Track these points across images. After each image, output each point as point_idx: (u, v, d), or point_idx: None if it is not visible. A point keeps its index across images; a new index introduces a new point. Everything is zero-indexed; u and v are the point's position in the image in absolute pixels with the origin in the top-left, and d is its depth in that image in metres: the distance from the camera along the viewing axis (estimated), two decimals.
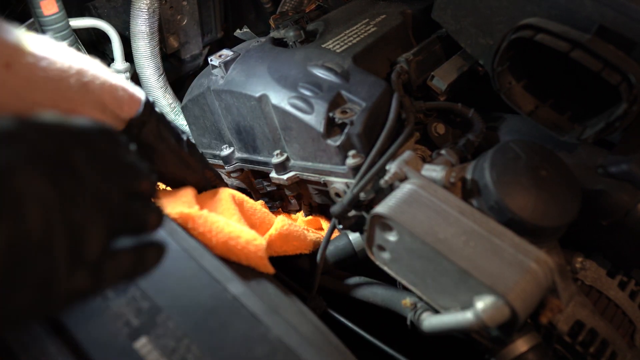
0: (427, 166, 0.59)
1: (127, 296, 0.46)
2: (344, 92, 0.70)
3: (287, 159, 0.77)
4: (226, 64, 0.81)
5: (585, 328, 0.58)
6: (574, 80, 0.67)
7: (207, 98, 0.85)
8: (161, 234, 0.52)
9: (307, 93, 0.71)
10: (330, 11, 0.96)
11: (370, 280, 0.73)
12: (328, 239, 0.70)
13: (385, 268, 0.59)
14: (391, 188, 0.59)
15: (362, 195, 0.61)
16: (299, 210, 0.90)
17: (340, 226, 0.64)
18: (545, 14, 0.64)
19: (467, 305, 0.50)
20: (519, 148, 0.58)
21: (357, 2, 0.96)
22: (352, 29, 0.84)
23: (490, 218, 0.53)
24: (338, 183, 0.70)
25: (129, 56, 1.15)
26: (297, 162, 0.76)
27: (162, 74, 1.18)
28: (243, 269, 0.58)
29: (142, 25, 1.08)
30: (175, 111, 1.22)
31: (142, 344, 0.43)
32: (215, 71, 0.83)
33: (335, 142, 0.68)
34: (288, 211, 0.93)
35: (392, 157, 0.61)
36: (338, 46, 0.79)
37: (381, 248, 0.58)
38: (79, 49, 1.05)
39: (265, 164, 0.83)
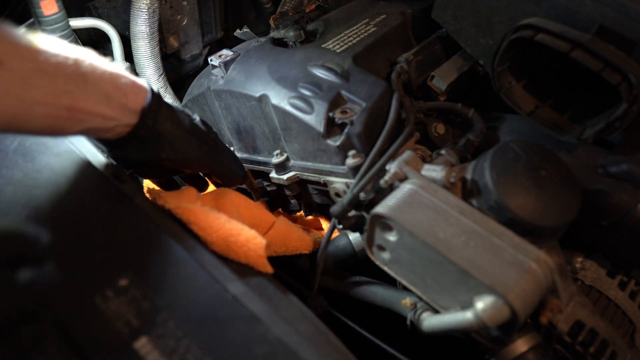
0: (427, 166, 0.59)
1: (127, 296, 0.46)
2: (344, 92, 0.70)
3: (287, 159, 0.77)
4: (226, 64, 0.81)
5: (585, 328, 0.58)
6: (574, 80, 0.67)
7: (207, 98, 0.85)
8: (161, 233, 0.52)
9: (307, 93, 0.71)
10: (330, 11, 0.96)
11: (370, 280, 0.73)
12: (328, 239, 0.70)
13: (385, 268, 0.59)
14: (391, 188, 0.59)
15: (362, 195, 0.61)
16: (299, 210, 0.90)
17: (340, 226, 0.64)
18: (545, 14, 0.64)
19: (467, 305, 0.50)
20: (519, 148, 0.58)
21: (357, 2, 0.96)
22: (352, 29, 0.84)
23: (490, 218, 0.53)
24: (338, 183, 0.70)
25: (129, 56, 1.15)
26: (297, 162, 0.76)
27: (162, 74, 1.18)
28: (243, 269, 0.58)
29: (142, 25, 1.08)
30: None
31: (142, 344, 0.43)
32: (215, 71, 0.83)
33: (335, 142, 0.68)
34: (288, 211, 0.93)
35: (392, 157, 0.61)
36: (338, 46, 0.79)
37: (381, 248, 0.58)
38: None
39: (265, 164, 0.83)
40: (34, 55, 0.48)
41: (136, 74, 1.17)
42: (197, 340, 0.44)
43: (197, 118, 0.67)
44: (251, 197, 0.78)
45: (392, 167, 0.59)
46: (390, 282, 0.67)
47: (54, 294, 0.46)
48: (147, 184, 0.84)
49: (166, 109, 0.62)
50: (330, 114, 0.68)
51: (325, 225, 0.86)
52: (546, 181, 0.55)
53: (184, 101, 0.92)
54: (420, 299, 0.59)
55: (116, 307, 0.45)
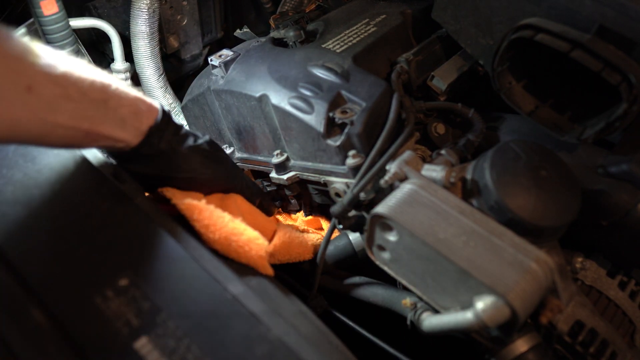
0: (427, 166, 0.59)
1: (127, 296, 0.46)
2: (344, 92, 0.70)
3: (287, 159, 0.77)
4: (226, 64, 0.81)
5: (585, 328, 0.58)
6: (574, 80, 0.67)
7: (207, 98, 0.85)
8: (161, 233, 0.52)
9: (307, 93, 0.71)
10: (330, 11, 0.96)
11: (370, 280, 0.73)
12: (328, 239, 0.70)
13: (385, 268, 0.59)
14: (391, 188, 0.59)
15: (362, 195, 0.61)
16: (299, 210, 0.90)
17: (340, 226, 0.64)
18: (545, 14, 0.64)
19: (467, 305, 0.50)
20: (519, 148, 0.58)
21: (357, 2, 0.96)
22: (352, 29, 0.84)
23: (490, 218, 0.53)
24: (338, 183, 0.70)
25: (129, 56, 1.15)
26: (297, 162, 0.76)
27: (162, 74, 1.19)
28: (243, 269, 0.58)
29: (142, 25, 1.08)
30: (175, 111, 1.22)
31: (142, 344, 0.43)
32: (215, 71, 0.83)
33: (335, 142, 0.68)
34: (288, 211, 0.93)
35: (392, 157, 0.61)
36: (338, 46, 0.79)
37: (381, 248, 0.58)
38: (79, 49, 1.05)
39: (266, 164, 0.83)
40: (62, 80, 0.50)
41: (136, 73, 1.17)
42: (197, 340, 0.44)
43: (204, 139, 0.67)
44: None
45: (392, 167, 0.59)
46: (390, 282, 0.67)
47: (54, 294, 0.46)
48: None
49: (173, 128, 0.63)
50: (330, 114, 0.68)
51: (325, 225, 0.87)
52: (546, 181, 0.55)
53: (184, 101, 0.92)
54: (420, 299, 0.59)
55: (116, 307, 0.45)
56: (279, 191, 0.88)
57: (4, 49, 0.45)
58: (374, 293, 0.70)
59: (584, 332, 0.58)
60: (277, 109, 0.72)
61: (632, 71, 0.56)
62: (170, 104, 1.22)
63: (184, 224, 0.59)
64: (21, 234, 0.51)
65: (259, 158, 0.84)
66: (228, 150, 0.87)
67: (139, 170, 0.63)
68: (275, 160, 0.77)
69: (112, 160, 0.64)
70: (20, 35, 0.47)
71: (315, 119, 0.68)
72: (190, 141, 0.65)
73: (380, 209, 0.54)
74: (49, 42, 0.96)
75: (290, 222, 0.87)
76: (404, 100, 0.70)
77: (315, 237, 0.77)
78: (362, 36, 0.82)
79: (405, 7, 0.89)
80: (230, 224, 0.59)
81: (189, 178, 0.64)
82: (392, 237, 0.55)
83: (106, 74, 0.56)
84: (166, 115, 0.63)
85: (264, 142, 0.80)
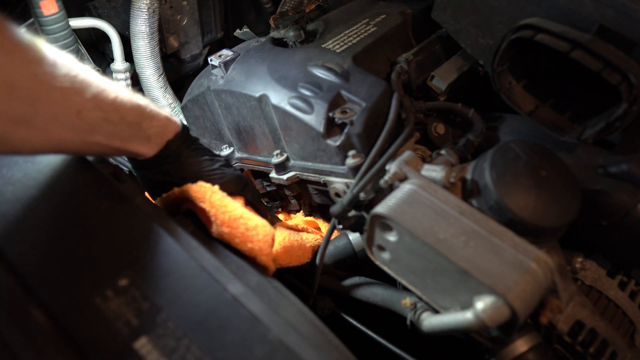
0: (427, 166, 0.59)
1: (127, 296, 0.46)
2: (344, 92, 0.70)
3: (287, 159, 0.77)
4: (226, 64, 0.81)
5: (585, 328, 0.58)
6: (574, 80, 0.67)
7: (207, 98, 0.85)
8: (161, 233, 0.52)
9: (307, 93, 0.71)
10: (330, 11, 0.96)
11: (370, 280, 0.73)
12: (328, 239, 0.70)
13: (385, 268, 0.59)
14: (391, 188, 0.59)
15: (362, 195, 0.61)
16: (299, 210, 0.90)
17: (340, 226, 0.64)
18: (545, 14, 0.64)
19: (467, 305, 0.50)
20: (519, 148, 0.58)
21: (357, 2, 0.96)
22: (352, 29, 0.84)
23: (490, 218, 0.53)
24: (338, 183, 0.70)
25: (129, 56, 1.15)
26: (297, 162, 0.76)
27: (162, 74, 1.19)
28: (243, 268, 0.58)
29: (142, 25, 1.08)
30: (175, 111, 1.22)
31: (142, 344, 0.43)
32: (215, 71, 0.83)
33: (335, 142, 0.68)
34: (288, 211, 0.93)
35: (392, 157, 0.61)
36: (338, 46, 0.79)
37: (381, 248, 0.58)
38: (79, 49, 1.05)
39: (266, 164, 0.83)
40: (107, 106, 0.54)
41: (136, 73, 1.17)
42: (197, 340, 0.44)
43: (218, 157, 0.72)
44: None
45: (392, 167, 0.59)
46: (390, 282, 0.67)
47: (54, 294, 0.46)
48: None
49: (188, 142, 0.68)
50: (330, 114, 0.68)
51: (323, 227, 0.87)
52: (546, 181, 0.55)
53: (184, 101, 0.92)
54: (420, 299, 0.59)
55: (116, 307, 0.45)
56: (279, 191, 0.88)
57: (61, 80, 0.49)
58: (374, 293, 0.70)
59: (584, 332, 0.58)
60: (277, 109, 0.72)
61: (632, 71, 0.56)
62: (170, 104, 1.22)
63: (184, 223, 0.59)
64: (21, 234, 0.51)
65: (259, 158, 0.84)
66: (228, 151, 0.87)
67: (150, 176, 0.67)
68: (275, 160, 0.77)
69: (112, 161, 0.65)
70: (75, 64, 0.53)
71: (315, 119, 0.68)
72: (198, 157, 0.68)
73: (380, 209, 0.54)
74: (49, 42, 0.96)
75: (290, 222, 0.87)
76: (404, 100, 0.70)
77: (314, 237, 0.77)
78: (362, 36, 0.82)
79: (405, 7, 0.89)
80: (240, 209, 0.61)
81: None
82: (392, 237, 0.55)
83: (141, 96, 0.61)
84: (185, 132, 0.68)
85: (263, 142, 0.80)
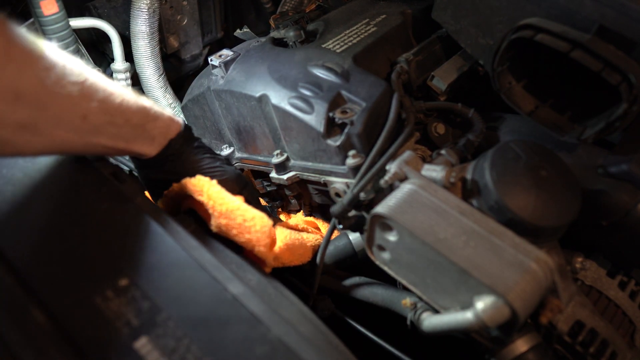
0: (427, 166, 0.59)
1: (127, 296, 0.46)
2: (344, 92, 0.70)
3: (287, 158, 0.77)
4: (226, 64, 0.81)
5: (585, 328, 0.58)
6: (574, 80, 0.67)
7: (207, 98, 0.85)
8: (161, 233, 0.52)
9: (307, 93, 0.71)
10: (330, 11, 0.96)
11: (370, 280, 0.73)
12: (328, 239, 0.70)
13: (385, 268, 0.59)
14: (391, 188, 0.59)
15: (362, 195, 0.61)
16: (299, 210, 0.90)
17: (340, 226, 0.64)
18: (545, 14, 0.64)
19: (467, 305, 0.50)
20: (519, 148, 0.58)
21: (357, 2, 0.96)
22: (352, 29, 0.84)
23: (490, 218, 0.53)
24: (338, 183, 0.70)
25: (129, 56, 1.15)
26: (297, 162, 0.76)
27: (162, 74, 1.18)
28: (242, 267, 0.58)
29: (142, 25, 1.08)
30: (176, 111, 1.22)
31: (142, 344, 0.43)
32: (215, 71, 0.83)
33: (335, 142, 0.68)
34: (288, 211, 0.93)
35: (392, 157, 0.61)
36: (338, 46, 0.79)
37: (381, 248, 0.58)
38: (79, 49, 1.05)
39: (266, 164, 0.83)
40: (112, 110, 0.55)
41: (136, 73, 1.17)
42: (197, 340, 0.44)
43: (219, 155, 0.72)
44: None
45: (392, 167, 0.59)
46: (390, 282, 0.67)
47: (54, 294, 0.46)
48: None
49: (189, 141, 0.69)
50: (330, 114, 0.68)
51: (323, 227, 0.87)
52: (546, 181, 0.55)
53: (184, 101, 0.92)
54: (420, 299, 0.59)
55: (116, 307, 0.45)
56: (279, 191, 0.88)
57: (69, 87, 0.50)
58: (374, 293, 0.70)
59: (584, 332, 0.58)
60: (277, 109, 0.72)
61: (632, 71, 0.56)
62: (170, 104, 1.22)
63: (186, 222, 0.59)
64: (21, 234, 0.51)
65: (259, 158, 0.84)
66: (228, 150, 0.87)
67: (152, 175, 0.68)
68: (275, 160, 0.77)
69: (112, 161, 0.65)
70: (85, 70, 0.53)
71: (315, 119, 0.68)
72: (199, 155, 0.69)
73: (380, 209, 0.54)
74: (49, 42, 0.96)
75: (290, 222, 0.87)
76: (404, 100, 0.70)
77: (313, 237, 0.77)
78: (362, 36, 0.82)
79: (405, 7, 0.89)
80: (237, 201, 0.61)
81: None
82: (392, 237, 0.55)
83: (146, 98, 0.62)
84: (187, 131, 0.68)
85: (264, 142, 0.80)
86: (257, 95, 0.74)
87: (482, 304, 0.48)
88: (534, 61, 0.69)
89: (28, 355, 0.42)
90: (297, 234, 0.73)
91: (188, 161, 0.67)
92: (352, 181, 0.66)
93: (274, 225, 0.73)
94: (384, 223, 0.55)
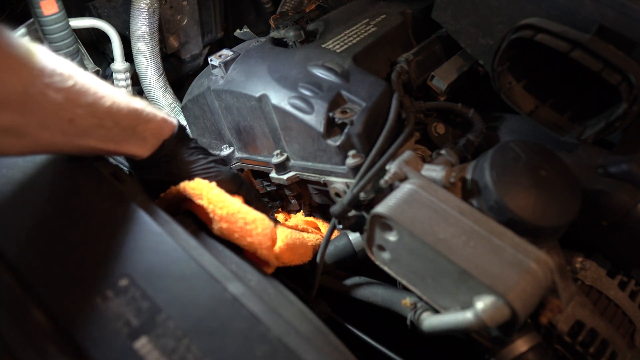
0: (427, 166, 0.59)
1: (127, 296, 0.46)
2: (344, 92, 0.70)
3: (287, 159, 0.77)
4: (226, 64, 0.81)
5: (585, 328, 0.58)
6: (574, 80, 0.67)
7: (207, 98, 0.85)
8: (161, 233, 0.52)
9: (307, 93, 0.71)
10: (330, 11, 0.96)
11: (370, 280, 0.73)
12: (328, 239, 0.70)
13: (385, 268, 0.59)
14: (391, 188, 0.59)
15: (362, 195, 0.61)
16: (299, 210, 0.90)
17: (340, 226, 0.64)
18: (545, 14, 0.64)
19: (467, 305, 0.50)
20: (519, 148, 0.58)
21: (357, 2, 0.96)
22: (352, 29, 0.84)
23: (490, 218, 0.53)
24: (338, 183, 0.70)
25: (129, 56, 1.15)
26: (297, 162, 0.76)
27: (162, 74, 1.18)
28: (242, 267, 0.58)
29: (142, 25, 1.08)
30: (175, 111, 1.22)
31: (142, 344, 0.43)
32: (215, 71, 0.83)
33: (335, 142, 0.68)
34: (288, 211, 0.93)
35: (392, 157, 0.61)
36: (338, 46, 0.79)
37: (381, 248, 0.58)
38: (79, 49, 1.05)
39: (266, 164, 0.83)
40: (101, 113, 0.55)
41: (136, 73, 1.17)
42: (197, 340, 0.44)
43: (211, 156, 0.72)
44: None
45: (392, 167, 0.59)
46: (390, 282, 0.67)
47: (54, 293, 0.46)
48: None
49: (184, 142, 0.68)
50: (330, 114, 0.68)
51: (323, 227, 0.87)
52: (546, 181, 0.55)
53: (184, 101, 0.92)
54: (420, 299, 0.59)
55: (116, 307, 0.45)
56: (279, 191, 0.88)
57: (53, 95, 0.49)
58: (374, 293, 0.70)
59: (584, 332, 0.58)
60: (277, 109, 0.72)
61: (632, 71, 0.56)
62: (170, 104, 1.22)
63: (185, 222, 0.59)
64: (22, 234, 0.51)
65: (259, 158, 0.84)
66: (228, 150, 0.87)
67: (146, 176, 0.67)
68: (275, 160, 0.77)
69: (112, 161, 0.65)
70: (76, 72, 0.53)
71: (315, 119, 0.68)
72: (194, 155, 0.69)
73: (380, 209, 0.54)
74: (49, 42, 0.96)
75: (290, 222, 0.87)
76: (404, 100, 0.70)
77: (314, 237, 0.77)
78: (362, 36, 0.82)
79: (405, 7, 0.89)
80: (237, 204, 0.61)
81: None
82: (392, 237, 0.55)
83: (139, 100, 0.61)
84: (181, 131, 0.68)
85: (264, 142, 0.80)
86: (257, 95, 0.74)
87: (482, 304, 0.48)
88: (534, 61, 0.69)
89: (28, 355, 0.42)
90: (298, 233, 0.73)
91: (182, 162, 0.67)
92: (352, 181, 0.66)
93: (275, 225, 0.73)
94: (384, 223, 0.55)
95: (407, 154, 0.61)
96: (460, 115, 0.75)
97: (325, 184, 0.73)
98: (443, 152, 0.65)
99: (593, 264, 0.66)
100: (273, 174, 0.80)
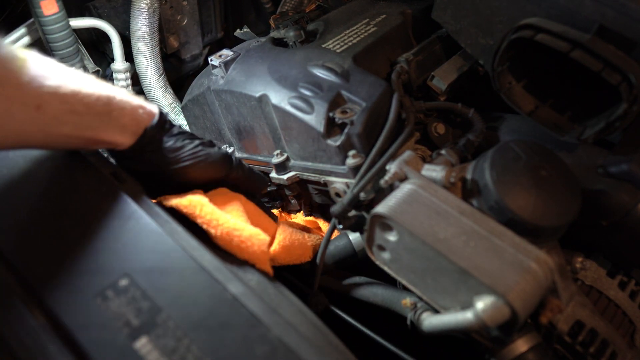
0: (427, 166, 0.59)
1: (127, 296, 0.46)
2: (344, 92, 0.70)
3: (287, 158, 0.77)
4: (226, 64, 0.81)
5: (585, 328, 0.58)
6: (574, 80, 0.67)
7: (207, 98, 0.85)
8: (161, 233, 0.52)
9: (307, 93, 0.71)
10: (330, 11, 0.96)
11: (370, 280, 0.73)
12: (328, 239, 0.70)
13: (385, 268, 0.59)
14: (391, 188, 0.59)
15: (362, 195, 0.61)
16: (299, 210, 0.90)
17: (340, 226, 0.64)
18: (545, 13, 0.64)
19: (467, 305, 0.50)
20: (519, 148, 0.58)
21: (357, 2, 0.96)
22: (352, 29, 0.84)
23: (490, 218, 0.53)
24: (338, 183, 0.70)
25: (129, 56, 1.15)
26: (297, 162, 0.76)
27: (162, 74, 1.18)
28: (243, 268, 0.58)
29: (142, 25, 1.08)
30: (175, 111, 1.22)
31: (142, 344, 0.43)
32: (215, 71, 0.83)
33: (335, 142, 0.68)
34: (288, 211, 0.93)
35: (392, 157, 0.61)
36: (338, 46, 0.79)
37: (381, 248, 0.58)
38: (79, 49, 1.05)
39: (266, 164, 0.83)
40: (70, 98, 0.53)
41: (136, 73, 1.17)
42: (197, 340, 0.44)
43: (197, 141, 0.68)
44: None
45: (392, 167, 0.59)
46: (390, 282, 0.67)
47: (54, 294, 0.46)
48: None
49: (167, 129, 0.66)
50: (330, 114, 0.68)
51: (324, 227, 0.87)
52: (546, 181, 0.55)
53: (184, 101, 0.92)
54: (420, 299, 0.59)
55: (116, 307, 0.45)
56: (279, 191, 0.88)
57: (16, 76, 0.48)
58: (374, 293, 0.70)
59: (584, 332, 0.58)
60: (277, 109, 0.72)
61: (632, 71, 0.56)
62: (170, 104, 1.22)
63: (189, 218, 0.59)
64: (22, 234, 0.51)
65: (259, 158, 0.84)
66: (228, 151, 0.87)
67: (133, 167, 0.65)
68: (275, 160, 0.77)
69: (112, 160, 0.65)
70: (32, 57, 0.51)
71: (315, 119, 0.68)
72: (179, 141, 0.66)
73: (380, 209, 0.54)
74: (49, 42, 0.96)
75: (290, 222, 0.87)
76: (404, 100, 0.70)
77: (315, 237, 0.77)
78: (362, 36, 0.82)
79: (405, 7, 0.89)
80: (231, 220, 0.60)
81: (178, 171, 0.65)
82: (392, 237, 0.55)
83: (112, 86, 0.60)
84: (162, 117, 0.65)
85: (264, 142, 0.80)
86: (257, 95, 0.74)
87: (482, 304, 0.48)
88: (534, 61, 0.69)
89: (28, 355, 0.42)
90: (299, 233, 0.73)
91: (169, 150, 0.64)
92: (352, 181, 0.66)
93: (275, 225, 0.73)
94: (384, 223, 0.55)
95: (407, 154, 0.61)
96: (460, 115, 0.75)
97: (325, 184, 0.73)
98: (443, 152, 0.65)
99: (593, 264, 0.66)
100: (273, 174, 0.80)
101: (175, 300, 0.47)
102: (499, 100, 0.70)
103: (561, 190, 0.56)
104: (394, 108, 0.68)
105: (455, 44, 0.79)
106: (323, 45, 0.80)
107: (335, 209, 0.62)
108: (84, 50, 1.11)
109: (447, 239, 0.51)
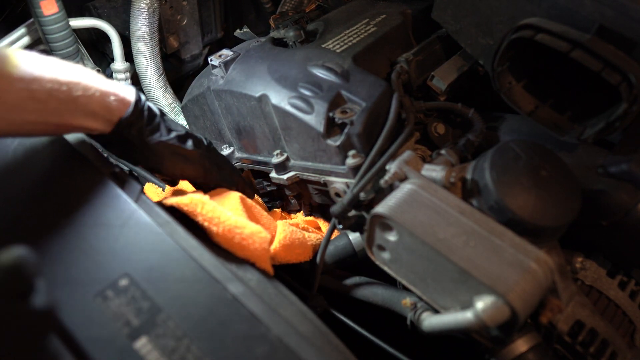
0: (427, 166, 0.59)
1: (127, 296, 0.46)
2: (344, 92, 0.70)
3: (287, 158, 0.77)
4: (226, 64, 0.81)
5: (585, 328, 0.58)
6: (574, 80, 0.67)
7: (207, 98, 0.85)
8: (161, 233, 0.52)
9: (307, 93, 0.71)
10: (330, 11, 0.96)
11: (370, 280, 0.73)
12: (328, 239, 0.70)
13: (385, 268, 0.59)
14: (391, 188, 0.59)
15: (362, 195, 0.61)
16: (299, 210, 0.90)
17: (340, 226, 0.64)
18: (545, 14, 0.64)
19: (467, 305, 0.50)
20: (519, 148, 0.58)
21: (357, 2, 0.96)
22: (352, 29, 0.84)
23: (490, 218, 0.53)
24: (338, 183, 0.70)
25: (129, 56, 1.15)
26: (297, 162, 0.76)
27: (162, 74, 1.18)
28: (243, 268, 0.58)
29: (142, 25, 1.08)
30: (175, 111, 1.22)
31: (142, 344, 0.43)
32: (215, 71, 0.83)
33: (335, 142, 0.68)
34: (288, 211, 0.93)
35: (392, 157, 0.61)
36: (338, 46, 0.79)
37: (381, 248, 0.58)
38: (79, 49, 1.05)
39: (266, 164, 0.83)
40: (29, 84, 0.52)
41: (136, 73, 1.17)
42: (197, 340, 0.44)
43: (175, 133, 0.68)
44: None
45: (392, 167, 0.59)
46: (390, 282, 0.67)
47: (54, 293, 0.46)
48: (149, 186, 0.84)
49: (145, 121, 0.64)
50: (330, 114, 0.68)
51: (324, 227, 0.87)
52: (546, 181, 0.55)
53: (184, 101, 0.92)
54: (420, 299, 0.59)
55: (116, 307, 0.45)
56: (279, 191, 0.88)
57: None
58: (374, 293, 0.70)
59: (584, 332, 0.58)
60: (277, 109, 0.72)
61: (632, 71, 0.56)
62: (170, 104, 1.22)
63: (187, 224, 0.59)
64: (21, 234, 0.51)
65: (259, 158, 0.84)
66: (228, 151, 0.87)
67: (117, 154, 0.66)
68: (275, 160, 0.77)
69: (112, 161, 0.65)
70: None
71: (315, 119, 0.68)
72: (158, 135, 0.66)
73: (380, 209, 0.54)
74: (48, 42, 0.96)
75: (290, 222, 0.87)
76: (404, 100, 0.70)
77: (315, 237, 0.77)
78: (362, 36, 0.82)
79: (405, 7, 0.89)
80: (232, 218, 0.60)
81: (160, 168, 0.67)
82: (392, 237, 0.55)
83: (80, 70, 0.58)
84: (139, 107, 0.63)
85: (264, 142, 0.80)
86: (257, 95, 0.74)
87: (482, 303, 0.48)
88: (534, 61, 0.69)
89: (29, 355, 0.42)
90: (299, 232, 0.73)
91: (147, 148, 0.64)
92: (352, 181, 0.66)
93: (274, 225, 0.73)
94: (384, 223, 0.55)
95: (407, 154, 0.61)
96: (460, 115, 0.75)
97: (325, 184, 0.73)
98: (443, 152, 0.65)
99: (593, 264, 0.66)
100: (273, 174, 0.80)
101: (175, 300, 0.47)
102: (499, 100, 0.70)
103: (561, 190, 0.56)
104: (394, 108, 0.68)
105: (455, 44, 0.79)
106: (323, 45, 0.80)
107: (335, 208, 0.62)
108: (84, 50, 1.11)
109: (447, 239, 0.51)
